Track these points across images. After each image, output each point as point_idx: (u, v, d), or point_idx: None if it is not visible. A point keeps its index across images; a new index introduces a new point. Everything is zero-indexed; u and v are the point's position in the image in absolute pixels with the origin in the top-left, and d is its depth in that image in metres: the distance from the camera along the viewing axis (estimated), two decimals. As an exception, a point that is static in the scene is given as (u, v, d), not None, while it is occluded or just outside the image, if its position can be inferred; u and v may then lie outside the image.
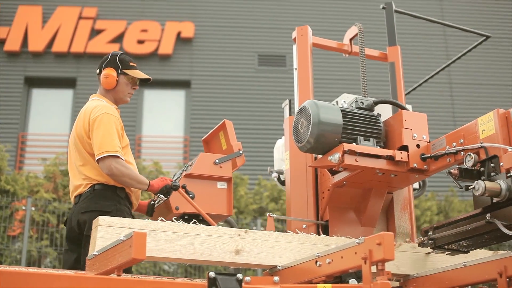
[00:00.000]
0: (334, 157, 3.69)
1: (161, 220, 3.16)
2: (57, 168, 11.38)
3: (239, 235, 3.26)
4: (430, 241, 3.64)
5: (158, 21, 15.57)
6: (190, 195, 3.85)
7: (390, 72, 4.51)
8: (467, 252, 3.66)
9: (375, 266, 2.58)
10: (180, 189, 3.82)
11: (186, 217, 3.89)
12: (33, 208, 10.28)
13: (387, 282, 2.51)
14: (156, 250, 3.07)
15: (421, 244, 3.72)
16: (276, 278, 2.84)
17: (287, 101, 4.41)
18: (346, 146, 3.66)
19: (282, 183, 4.49)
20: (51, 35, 15.09)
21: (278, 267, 3.31)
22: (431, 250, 3.71)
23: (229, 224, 4.13)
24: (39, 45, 14.99)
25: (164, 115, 15.64)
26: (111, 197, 3.80)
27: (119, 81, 4.08)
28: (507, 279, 2.94)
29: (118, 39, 15.28)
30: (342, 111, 3.81)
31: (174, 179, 3.99)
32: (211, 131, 4.38)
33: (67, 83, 15.22)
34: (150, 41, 15.39)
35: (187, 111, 15.44)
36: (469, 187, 3.32)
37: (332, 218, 4.02)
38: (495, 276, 2.95)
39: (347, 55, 4.72)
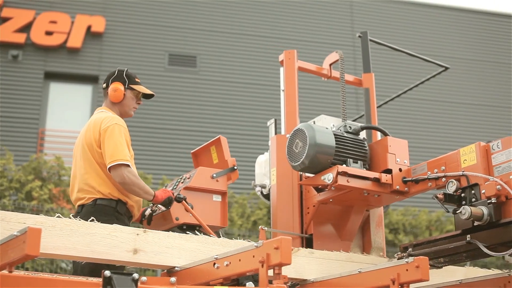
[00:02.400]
0: (328, 177, 4.02)
1: (59, 217, 3.09)
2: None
3: (137, 234, 3.22)
4: (410, 257, 4.05)
5: (68, 13, 15.26)
6: (190, 206, 4.04)
7: (364, 97, 4.89)
8: (441, 267, 4.10)
9: (272, 270, 2.66)
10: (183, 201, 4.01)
11: (184, 227, 4.08)
12: None
13: (283, 286, 2.61)
14: (52, 247, 3.00)
15: (400, 259, 4.12)
16: (172, 279, 2.82)
17: (272, 120, 4.68)
18: (340, 168, 4.00)
19: (265, 196, 4.74)
20: (-47, 20, 14.44)
21: (176, 268, 3.30)
22: (408, 264, 4.12)
23: (217, 235, 4.34)
24: None
25: (70, 109, 15.35)
26: (110, 213, 3.92)
27: (126, 95, 4.25)
28: (399, 286, 3.08)
29: (26, 28, 14.83)
30: (334, 134, 4.14)
31: (170, 190, 4.16)
32: (203, 145, 4.58)
33: (-31, 71, 14.61)
34: (59, 33, 15.05)
35: (93, 107, 15.23)
36: (457, 211, 3.74)
37: (316, 232, 4.36)
38: (388, 282, 3.04)
39: (326, 79, 5.06)
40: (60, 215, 3.10)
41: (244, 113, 15.51)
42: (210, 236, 3.70)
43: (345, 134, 4.23)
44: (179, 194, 4.02)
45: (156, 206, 4.17)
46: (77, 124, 15.09)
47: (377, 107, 5.00)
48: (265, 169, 4.75)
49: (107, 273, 2.44)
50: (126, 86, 4.25)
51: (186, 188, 4.14)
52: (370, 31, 5.12)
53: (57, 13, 15.18)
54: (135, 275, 2.48)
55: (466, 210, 3.65)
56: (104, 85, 4.29)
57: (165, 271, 3.35)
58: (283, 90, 4.64)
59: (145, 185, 3.95)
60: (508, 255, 3.65)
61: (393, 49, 5.38)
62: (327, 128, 4.19)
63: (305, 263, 3.65)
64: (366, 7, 17.55)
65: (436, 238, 3.98)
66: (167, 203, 4.01)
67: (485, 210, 3.66)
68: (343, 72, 4.77)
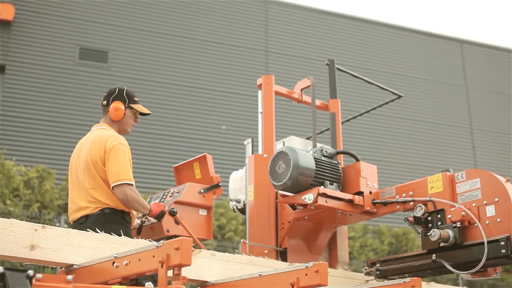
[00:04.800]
0: (309, 197, 4.38)
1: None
2: None
3: (35, 230, 3.14)
4: (378, 272, 4.49)
5: (-25, -2, 14.70)
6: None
7: (330, 122, 5.27)
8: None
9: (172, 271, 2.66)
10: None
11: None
12: None
13: (181, 287, 2.63)
14: None
15: (368, 274, 4.55)
16: (69, 277, 2.70)
17: (249, 140, 4.96)
18: (321, 190, 4.37)
19: (240, 211, 5.01)
20: None
21: (74, 266, 3.24)
22: (374, 278, 4.55)
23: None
24: None
25: (-28, 99, 14.78)
26: (120, 222, 4.11)
27: (126, 114, 4.39)
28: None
29: None
30: (314, 158, 4.50)
31: (163, 204, 4.36)
32: (186, 161, 4.80)
33: None
34: (-36, 18, 14.48)
35: (-2, 97, 14.77)
36: (426, 233, 4.20)
37: (289, 246, 4.70)
38: (287, 286, 3.00)
39: (296, 103, 5.40)
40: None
41: (156, 112, 15.56)
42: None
43: (323, 158, 4.61)
44: (172, 208, 4.25)
45: (145, 217, 4.36)
46: (-19, 114, 14.57)
47: (342, 122, 5.41)
48: (240, 185, 5.03)
49: (0, 269, 2.38)
50: (126, 105, 4.40)
51: (176, 202, 4.36)
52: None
53: (-37, -2, 14.59)
54: (30, 272, 2.43)
55: (435, 233, 4.12)
56: (104, 102, 4.41)
57: (63, 268, 3.28)
58: (261, 112, 4.94)
59: (143, 200, 4.15)
60: (468, 274, 4.16)
61: (354, 76, 5.81)
62: (307, 152, 4.54)
63: (206, 264, 3.67)
64: (280, 13, 18.06)
65: (403, 256, 4.44)
66: (160, 216, 4.23)
67: (451, 233, 4.15)
68: (314, 98, 5.14)
